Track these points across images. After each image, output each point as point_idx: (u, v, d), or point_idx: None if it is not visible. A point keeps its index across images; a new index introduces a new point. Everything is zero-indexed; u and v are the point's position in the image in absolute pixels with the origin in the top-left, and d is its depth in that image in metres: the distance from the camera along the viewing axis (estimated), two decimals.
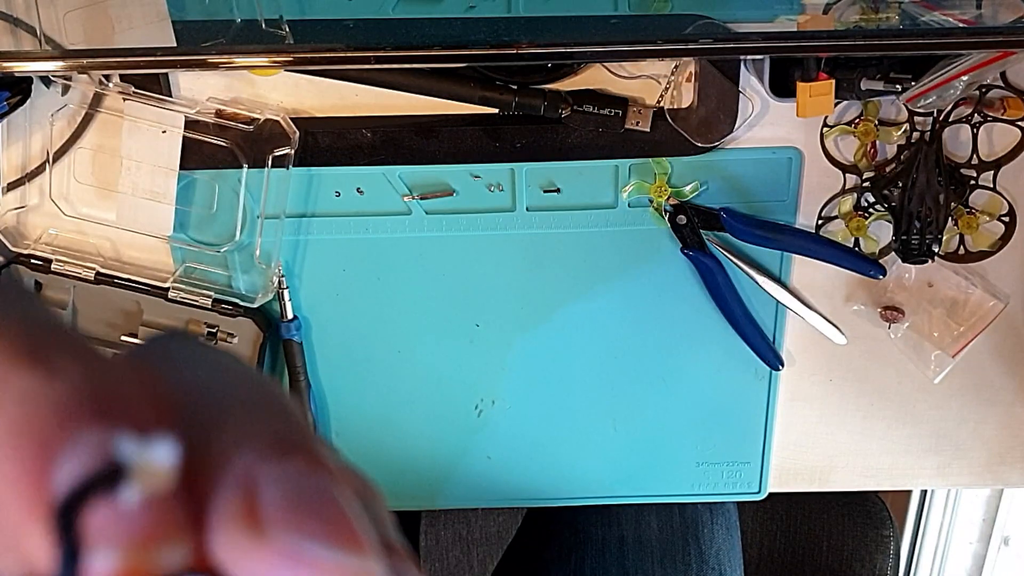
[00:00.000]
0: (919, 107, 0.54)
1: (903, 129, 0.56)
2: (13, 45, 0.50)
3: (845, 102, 0.55)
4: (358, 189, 0.57)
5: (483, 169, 0.56)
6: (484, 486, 0.66)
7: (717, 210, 0.57)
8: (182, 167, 0.55)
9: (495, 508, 0.88)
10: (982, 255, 0.59)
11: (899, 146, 0.57)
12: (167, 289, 0.58)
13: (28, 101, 0.54)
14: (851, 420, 0.66)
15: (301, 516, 0.13)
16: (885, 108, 0.56)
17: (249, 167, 0.55)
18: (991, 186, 0.57)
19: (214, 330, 0.59)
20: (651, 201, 0.57)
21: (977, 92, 0.55)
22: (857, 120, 0.56)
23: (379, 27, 0.50)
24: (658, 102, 0.55)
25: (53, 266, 0.57)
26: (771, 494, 0.67)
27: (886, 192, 0.57)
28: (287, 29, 0.51)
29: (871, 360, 0.63)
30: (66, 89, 0.54)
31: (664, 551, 0.68)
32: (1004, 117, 0.56)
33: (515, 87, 0.54)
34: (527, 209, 0.58)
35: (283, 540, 0.12)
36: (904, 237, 0.56)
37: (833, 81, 0.52)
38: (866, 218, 0.58)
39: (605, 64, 0.54)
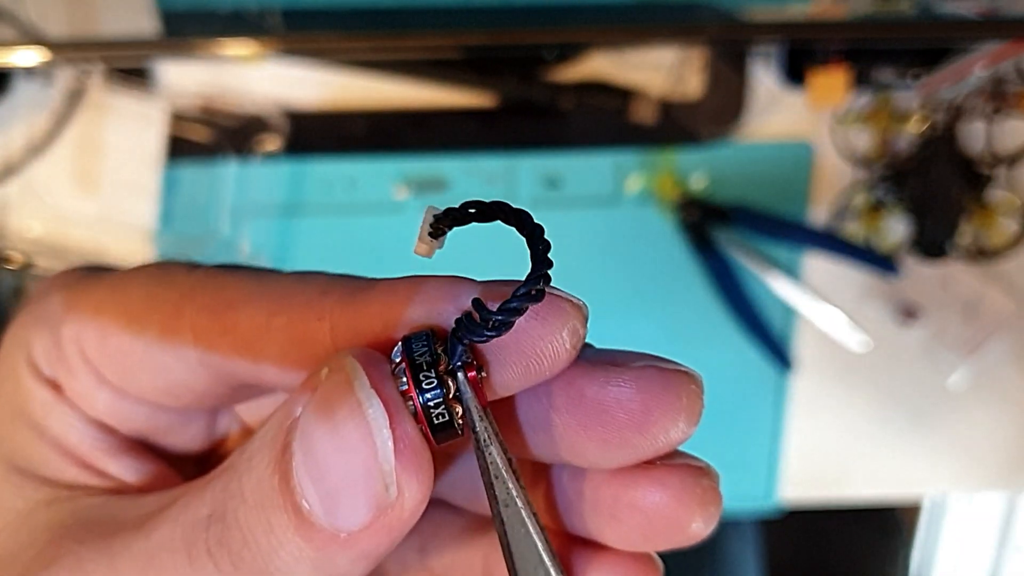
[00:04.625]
0: (934, 99, 0.52)
1: (917, 122, 0.54)
2: None
3: (858, 94, 0.53)
4: (350, 182, 0.55)
5: (481, 162, 0.54)
6: None
7: (725, 205, 0.55)
8: (167, 160, 0.53)
9: None
10: (998, 253, 0.58)
11: (913, 139, 0.55)
12: None
13: (9, 94, 0.52)
14: (864, 424, 0.64)
15: None
16: (899, 100, 0.54)
17: (236, 159, 0.53)
18: (1007, 182, 0.56)
19: None
20: (657, 195, 0.55)
21: (992, 85, 0.53)
22: (870, 112, 0.54)
23: (374, 15, 0.49)
24: (664, 93, 0.53)
25: (34, 260, 0.55)
26: (781, 502, 0.65)
27: (900, 186, 0.55)
28: (277, 17, 0.49)
29: (885, 361, 0.61)
30: (48, 81, 0.52)
31: (680, 569, 0.66)
32: (1020, 111, 0.54)
33: (517, 76, 0.52)
34: (527, 203, 0.56)
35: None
36: (919, 233, 0.54)
37: (846, 72, 0.50)
38: (880, 214, 0.56)
39: (610, 54, 0.52)
